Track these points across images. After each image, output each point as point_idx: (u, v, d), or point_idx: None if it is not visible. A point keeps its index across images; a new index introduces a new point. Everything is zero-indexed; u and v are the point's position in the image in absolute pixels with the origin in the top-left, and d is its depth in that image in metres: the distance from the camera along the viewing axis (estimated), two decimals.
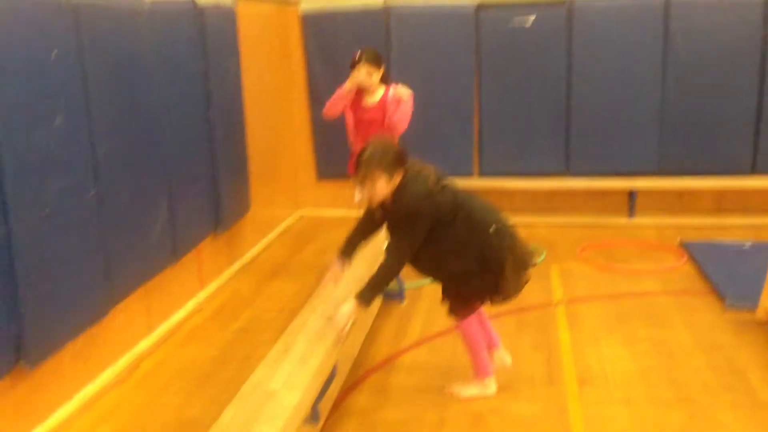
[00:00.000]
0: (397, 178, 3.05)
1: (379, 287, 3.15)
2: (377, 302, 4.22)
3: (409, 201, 3.02)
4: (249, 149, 5.35)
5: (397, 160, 3.06)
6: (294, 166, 6.80)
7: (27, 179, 2.91)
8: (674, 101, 6.30)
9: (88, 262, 3.37)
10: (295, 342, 3.06)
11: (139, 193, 3.80)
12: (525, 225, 6.28)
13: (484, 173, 6.62)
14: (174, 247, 4.19)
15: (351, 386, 3.51)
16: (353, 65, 4.52)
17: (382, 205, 3.15)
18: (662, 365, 3.67)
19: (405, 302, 4.57)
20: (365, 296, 3.08)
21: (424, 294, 4.73)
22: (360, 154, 3.06)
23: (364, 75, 4.48)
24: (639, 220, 6.37)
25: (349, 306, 3.07)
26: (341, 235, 5.13)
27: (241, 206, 5.26)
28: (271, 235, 6.12)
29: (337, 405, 3.28)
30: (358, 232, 3.38)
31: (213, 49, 4.62)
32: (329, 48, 6.45)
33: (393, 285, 4.55)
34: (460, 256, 3.12)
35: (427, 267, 3.24)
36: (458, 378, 3.53)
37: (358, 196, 3.23)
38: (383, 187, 3.04)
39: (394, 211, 3.09)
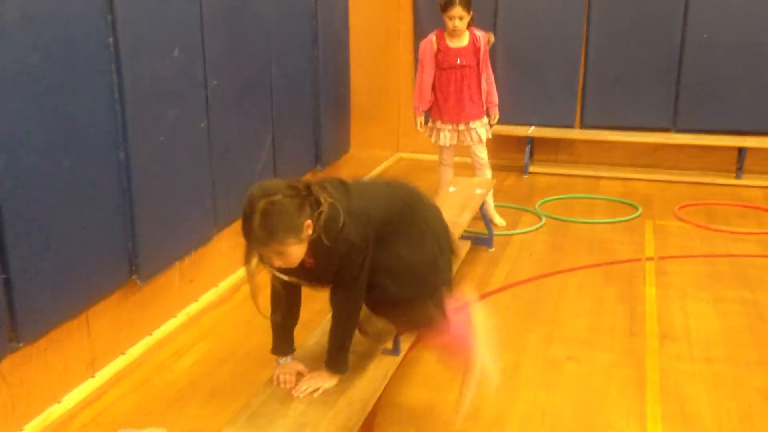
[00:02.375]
0: (309, 228, 2.18)
1: (347, 347, 2.45)
2: (465, 247, 4.33)
3: (344, 240, 2.23)
4: (352, 90, 5.48)
5: (296, 209, 2.15)
6: (396, 108, 6.91)
7: (146, 107, 3.13)
8: None
9: (197, 189, 3.61)
10: None
11: (245, 127, 4.01)
12: (624, 179, 6.25)
13: (585, 125, 6.54)
14: None
15: None
16: (445, 7, 4.59)
17: (300, 265, 2.28)
18: (749, 327, 3.63)
19: (493, 249, 4.65)
20: (339, 365, 2.45)
21: (512, 242, 4.80)
22: (246, 223, 2.17)
23: (457, 20, 4.56)
24: (746, 180, 6.16)
25: (332, 381, 2.44)
26: (435, 178, 5.29)
27: (342, 145, 5.43)
28: (370, 175, 6.28)
29: (418, 340, 3.42)
30: (286, 311, 2.52)
31: None
32: None
33: (483, 230, 4.66)
34: (419, 245, 2.44)
35: (382, 283, 2.39)
36: (538, 323, 3.63)
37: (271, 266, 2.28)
38: (297, 250, 2.18)
39: (325, 260, 2.29)
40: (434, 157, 6.59)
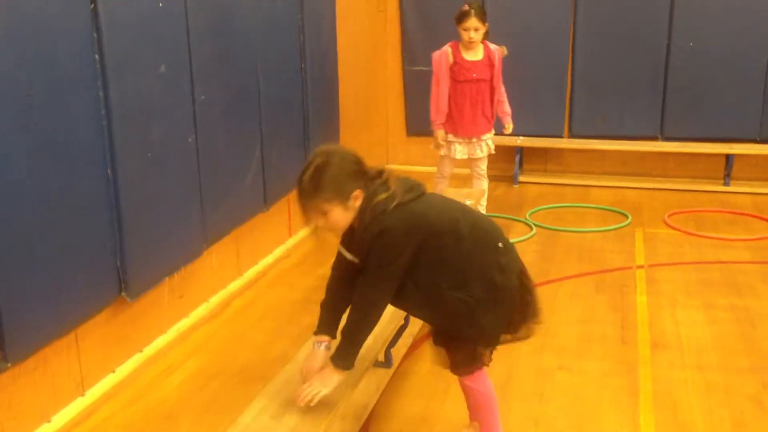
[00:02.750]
0: (357, 200, 2.26)
1: (357, 343, 2.34)
2: None
3: (381, 223, 2.23)
4: (341, 102, 5.48)
5: (349, 175, 2.26)
6: (385, 121, 6.92)
7: (133, 124, 3.12)
8: None
9: (186, 204, 3.60)
10: None
11: (234, 141, 4.00)
12: (613, 188, 6.28)
13: (573, 134, 6.56)
14: (265, 194, 4.39)
15: (425, 336, 3.63)
16: (460, 19, 4.57)
17: (349, 233, 2.37)
18: (740, 333, 3.64)
19: None
20: (344, 359, 2.31)
21: None
22: (300, 176, 2.29)
23: (472, 31, 4.55)
24: (734, 187, 6.19)
25: (334, 378, 2.30)
26: (429, 189, 5.28)
27: None
28: None
29: (409, 353, 3.42)
30: (336, 292, 2.46)
31: (309, 2, 4.74)
32: (424, 2, 6.49)
33: None
34: (464, 284, 2.33)
35: (416, 304, 2.44)
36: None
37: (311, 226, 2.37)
38: (340, 216, 2.26)
39: (363, 239, 2.29)
40: (424, 169, 6.63)
